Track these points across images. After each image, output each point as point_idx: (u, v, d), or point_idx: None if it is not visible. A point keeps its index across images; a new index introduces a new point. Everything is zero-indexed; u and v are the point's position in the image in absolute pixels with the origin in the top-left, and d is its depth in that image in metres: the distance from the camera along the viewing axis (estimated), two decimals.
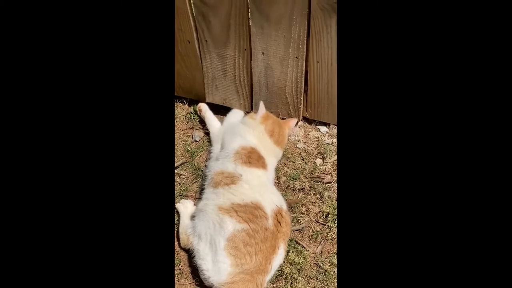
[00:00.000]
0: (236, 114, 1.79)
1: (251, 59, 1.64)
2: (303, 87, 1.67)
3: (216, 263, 1.32)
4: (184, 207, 1.55)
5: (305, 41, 1.52)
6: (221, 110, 1.83)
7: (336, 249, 1.49)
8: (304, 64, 1.59)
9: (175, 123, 1.83)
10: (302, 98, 1.71)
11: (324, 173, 1.67)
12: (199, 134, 1.81)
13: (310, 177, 1.67)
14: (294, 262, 1.46)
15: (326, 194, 1.60)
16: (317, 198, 1.61)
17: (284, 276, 1.44)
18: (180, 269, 1.48)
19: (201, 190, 1.59)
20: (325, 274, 1.45)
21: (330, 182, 1.64)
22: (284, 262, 1.44)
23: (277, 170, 1.68)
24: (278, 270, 1.43)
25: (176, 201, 1.60)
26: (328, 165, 1.69)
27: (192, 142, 1.80)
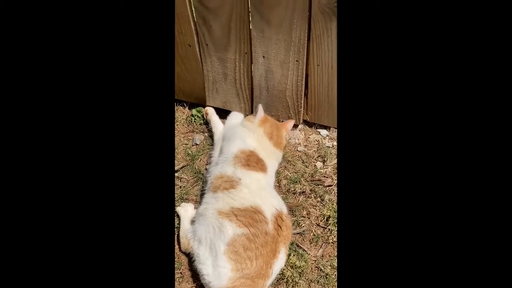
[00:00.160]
0: (235, 117, 1.79)
1: (251, 63, 1.65)
2: (303, 90, 1.67)
3: (216, 267, 1.32)
4: (185, 210, 1.55)
5: (306, 44, 1.52)
6: (221, 113, 1.83)
7: (337, 253, 1.49)
8: (305, 67, 1.59)
9: (176, 127, 1.83)
10: (302, 101, 1.71)
11: (324, 176, 1.68)
12: (199, 137, 1.81)
13: (311, 180, 1.67)
14: (295, 265, 1.46)
15: (326, 197, 1.61)
16: (317, 201, 1.61)
17: (285, 280, 1.44)
18: (181, 273, 1.48)
19: (202, 194, 1.59)
20: (326, 278, 1.45)
21: (331, 185, 1.64)
22: (285, 265, 1.44)
23: (278, 173, 1.68)
24: (279, 274, 1.43)
25: (176, 204, 1.60)
26: (329, 168, 1.69)
27: (192, 145, 1.80)
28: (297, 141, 1.80)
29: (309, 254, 1.50)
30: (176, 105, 1.88)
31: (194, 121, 1.85)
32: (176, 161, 1.73)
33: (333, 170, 1.68)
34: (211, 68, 1.71)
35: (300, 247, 1.52)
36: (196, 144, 1.80)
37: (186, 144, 1.80)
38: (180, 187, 1.67)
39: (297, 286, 1.43)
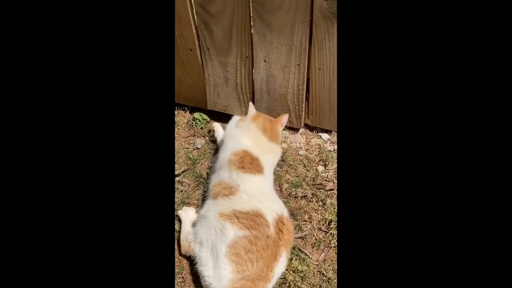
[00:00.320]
0: (235, 121, 1.79)
1: (253, 67, 1.65)
2: (304, 94, 1.67)
3: (217, 269, 1.32)
4: (186, 214, 1.55)
5: (307, 48, 1.52)
6: (222, 118, 1.83)
7: (337, 257, 1.49)
8: (306, 71, 1.59)
9: (177, 131, 1.83)
10: (303, 105, 1.71)
11: (326, 180, 1.67)
12: (200, 141, 1.81)
13: (312, 184, 1.67)
14: (297, 269, 1.45)
15: (328, 201, 1.60)
16: (319, 205, 1.61)
17: (287, 284, 1.44)
18: (182, 277, 1.47)
19: (203, 199, 1.59)
20: (328, 282, 1.44)
21: (333, 189, 1.64)
22: (287, 269, 1.44)
23: (279, 177, 1.68)
24: (281, 278, 1.43)
25: (178, 208, 1.59)
26: (330, 172, 1.69)
27: (194, 149, 1.79)
28: (298, 145, 1.80)
29: (311, 258, 1.50)
30: (177, 109, 1.88)
31: (195, 125, 1.85)
32: (177, 165, 1.73)
33: (335, 174, 1.68)
34: (212, 72, 1.71)
35: (302, 252, 1.52)
36: (198, 148, 1.79)
37: (187, 148, 1.80)
38: (182, 191, 1.67)
39: None
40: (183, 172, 1.72)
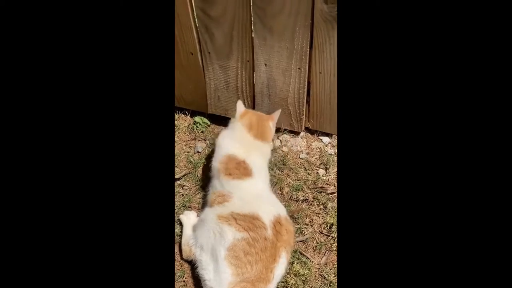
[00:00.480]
0: None
1: (253, 70, 1.65)
2: (305, 98, 1.68)
3: (217, 273, 1.32)
4: (187, 218, 1.55)
5: (308, 52, 1.52)
6: (223, 121, 1.83)
7: (337, 260, 1.49)
8: (307, 75, 1.60)
9: (178, 135, 1.84)
10: (304, 109, 1.72)
11: (327, 183, 1.68)
12: (201, 145, 1.81)
13: (313, 188, 1.67)
14: (299, 273, 1.45)
15: (329, 204, 1.60)
16: (320, 208, 1.61)
17: None
18: (184, 281, 1.47)
19: (203, 203, 1.59)
20: (330, 285, 1.44)
21: (334, 193, 1.64)
22: (288, 273, 1.44)
23: (280, 180, 1.68)
24: (283, 281, 1.43)
25: (179, 212, 1.59)
26: (331, 176, 1.69)
27: (194, 153, 1.80)
28: (299, 148, 1.80)
29: (312, 262, 1.50)
30: (178, 113, 1.88)
31: (196, 129, 1.85)
32: (178, 169, 1.73)
33: (336, 178, 1.68)
34: (213, 76, 1.72)
35: (304, 255, 1.52)
36: (198, 152, 1.79)
37: (188, 152, 1.80)
38: (183, 194, 1.67)
39: None
40: (184, 175, 1.72)
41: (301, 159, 1.77)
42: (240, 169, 1.47)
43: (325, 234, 1.56)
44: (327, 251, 1.53)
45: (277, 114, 1.62)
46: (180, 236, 1.53)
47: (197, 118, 1.86)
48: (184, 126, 1.86)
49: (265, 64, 1.61)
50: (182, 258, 1.50)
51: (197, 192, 1.68)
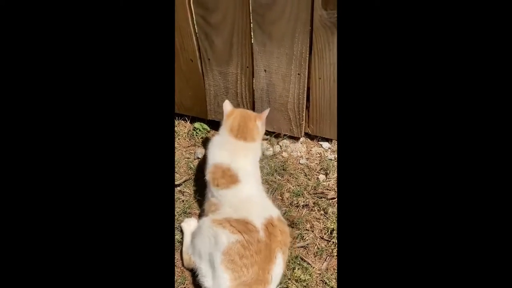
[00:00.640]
0: None
1: (253, 76, 1.66)
2: (305, 104, 1.68)
3: (215, 279, 1.32)
4: (188, 225, 1.55)
5: (307, 58, 1.53)
6: None
7: (337, 266, 1.49)
8: (306, 80, 1.60)
9: (178, 141, 1.84)
10: (304, 114, 1.72)
11: (327, 189, 1.68)
12: (201, 151, 1.81)
13: (314, 193, 1.67)
14: (300, 279, 1.45)
15: (330, 210, 1.60)
16: (321, 214, 1.61)
17: None
18: (185, 287, 1.47)
19: (200, 213, 1.60)
20: None
21: (334, 198, 1.64)
22: (290, 279, 1.44)
23: (280, 186, 1.68)
24: (284, 287, 1.43)
25: (180, 218, 1.59)
26: (332, 181, 1.69)
27: (194, 159, 1.80)
28: (299, 154, 1.80)
29: (313, 267, 1.50)
30: (178, 119, 1.88)
31: (196, 135, 1.85)
32: (178, 175, 1.73)
33: (336, 183, 1.68)
34: (213, 82, 1.72)
35: (305, 261, 1.51)
36: (198, 158, 1.79)
37: (188, 158, 1.80)
38: (183, 201, 1.67)
39: None
40: (184, 182, 1.72)
41: (301, 164, 1.77)
42: (226, 178, 1.47)
43: (326, 240, 1.56)
44: (328, 257, 1.52)
45: (265, 113, 1.59)
46: (181, 243, 1.53)
47: (197, 124, 1.87)
48: (184, 132, 1.86)
49: (265, 70, 1.61)
50: (183, 266, 1.49)
51: (197, 198, 1.68)
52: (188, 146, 1.84)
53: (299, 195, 1.66)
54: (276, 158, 1.79)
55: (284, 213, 1.60)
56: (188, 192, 1.70)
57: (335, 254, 1.52)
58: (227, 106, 1.60)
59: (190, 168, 1.76)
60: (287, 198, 1.66)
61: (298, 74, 1.58)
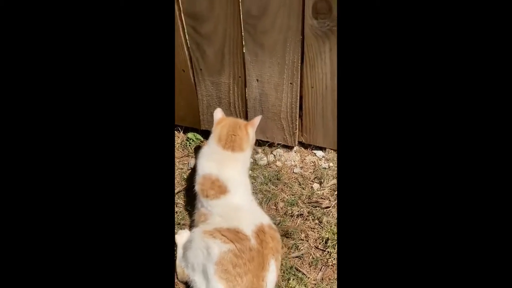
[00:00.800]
0: None
1: (245, 86, 1.65)
2: (298, 112, 1.68)
3: None
4: (181, 237, 1.53)
5: (299, 67, 1.53)
6: None
7: (337, 276, 1.48)
8: (299, 89, 1.60)
9: None
10: (297, 123, 1.71)
11: (322, 198, 1.67)
12: (195, 162, 1.80)
13: (308, 202, 1.66)
14: None
15: (325, 219, 1.59)
16: (315, 223, 1.60)
17: None
18: None
19: (191, 224, 1.59)
20: None
21: (329, 207, 1.63)
22: None
23: (275, 196, 1.67)
24: None
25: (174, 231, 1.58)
26: (326, 190, 1.69)
27: (188, 169, 1.79)
28: (293, 163, 1.79)
29: (308, 277, 1.49)
30: None
31: (189, 145, 1.84)
32: None
33: (330, 192, 1.68)
34: (205, 92, 1.71)
35: (300, 271, 1.50)
36: (192, 169, 1.78)
37: (182, 169, 1.79)
38: (177, 212, 1.66)
39: None
40: (177, 193, 1.71)
41: (295, 173, 1.76)
42: (215, 188, 1.46)
43: (320, 249, 1.55)
44: (323, 267, 1.51)
45: (257, 119, 1.58)
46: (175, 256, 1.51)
47: (190, 135, 1.86)
48: (177, 143, 1.86)
49: (257, 80, 1.61)
50: (177, 279, 1.48)
51: (188, 209, 1.66)
52: (182, 157, 1.83)
53: (293, 205, 1.65)
54: (270, 167, 1.78)
55: (279, 223, 1.59)
56: (181, 204, 1.69)
57: (330, 263, 1.51)
58: (217, 113, 1.59)
59: (184, 179, 1.75)
60: (282, 208, 1.65)
61: (291, 83, 1.58)
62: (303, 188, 1.70)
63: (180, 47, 1.58)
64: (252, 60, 1.55)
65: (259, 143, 1.82)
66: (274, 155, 1.82)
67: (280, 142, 1.80)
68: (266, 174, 1.74)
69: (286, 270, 1.49)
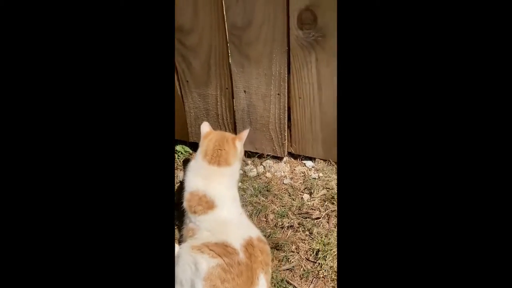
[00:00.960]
0: None
1: (233, 98, 1.64)
2: (286, 123, 1.67)
3: None
4: None
5: (286, 78, 1.52)
6: None
7: (327, 287, 1.46)
8: (287, 100, 1.59)
9: None
10: (286, 134, 1.70)
11: (312, 208, 1.65)
12: (183, 174, 1.78)
13: (299, 214, 1.64)
14: None
15: (315, 230, 1.58)
16: (306, 235, 1.59)
17: None
18: None
19: (180, 239, 1.57)
20: None
21: (319, 218, 1.62)
22: None
23: (265, 207, 1.66)
24: None
25: None
26: (316, 200, 1.67)
27: (177, 183, 1.77)
28: (283, 173, 1.78)
29: None
30: None
31: (178, 158, 1.83)
32: None
33: (320, 202, 1.66)
34: (193, 104, 1.70)
35: (291, 284, 1.48)
36: (181, 182, 1.77)
37: None
38: None
39: None
40: None
41: (285, 184, 1.75)
42: (203, 204, 1.45)
43: (311, 261, 1.53)
44: (314, 279, 1.49)
45: (245, 133, 1.55)
46: None
47: (178, 147, 1.84)
48: None
49: (244, 91, 1.60)
50: None
51: (176, 224, 1.64)
52: None
53: (283, 216, 1.63)
54: (260, 179, 1.76)
55: (269, 236, 1.57)
56: None
57: (321, 275, 1.49)
58: (204, 127, 1.57)
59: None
60: (272, 220, 1.64)
61: (278, 94, 1.57)
62: (293, 199, 1.69)
63: None
64: (239, 72, 1.54)
65: (248, 154, 1.81)
66: (264, 166, 1.80)
67: (269, 153, 1.79)
68: (256, 186, 1.72)
69: (277, 283, 1.47)
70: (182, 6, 1.43)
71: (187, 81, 1.62)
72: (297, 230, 1.60)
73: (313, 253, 1.54)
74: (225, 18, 1.41)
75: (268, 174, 1.78)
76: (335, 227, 1.59)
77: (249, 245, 1.36)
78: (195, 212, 1.45)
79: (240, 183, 1.69)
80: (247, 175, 1.77)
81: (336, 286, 1.44)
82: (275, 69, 1.50)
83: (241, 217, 1.50)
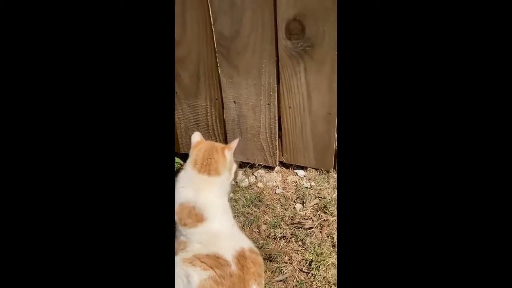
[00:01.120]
0: None
1: (223, 108, 1.64)
2: (277, 133, 1.66)
3: None
4: None
5: (276, 88, 1.52)
6: None
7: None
8: (277, 110, 1.59)
9: None
10: (277, 144, 1.70)
11: (304, 218, 1.64)
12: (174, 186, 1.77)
13: (291, 224, 1.63)
14: None
15: (308, 240, 1.57)
16: (299, 245, 1.57)
17: None
18: None
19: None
20: None
21: (311, 228, 1.61)
22: None
23: (257, 218, 1.64)
24: None
25: None
26: (308, 210, 1.66)
27: None
28: (274, 183, 1.77)
29: None
30: None
31: None
32: None
33: (313, 212, 1.65)
34: (183, 116, 1.69)
35: None
36: None
37: None
38: None
39: None
40: None
41: (277, 194, 1.73)
42: (192, 217, 1.42)
43: (305, 272, 1.52)
44: None
45: (234, 142, 1.53)
46: None
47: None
48: None
49: (234, 102, 1.59)
50: None
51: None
52: None
53: (276, 227, 1.62)
54: (252, 189, 1.75)
55: (262, 247, 1.56)
56: None
57: (315, 286, 1.48)
58: (195, 137, 1.55)
59: None
60: (264, 231, 1.62)
61: (268, 104, 1.57)
62: (285, 209, 1.68)
63: None
64: (228, 82, 1.54)
65: (240, 164, 1.80)
66: (256, 176, 1.79)
67: (261, 163, 1.78)
68: (248, 196, 1.71)
69: (264, 285, 1.45)
70: None
71: (176, 92, 1.61)
72: (289, 241, 1.59)
73: (306, 263, 1.53)
74: (213, 29, 1.41)
75: (260, 184, 1.77)
76: (328, 236, 1.58)
77: (241, 257, 1.34)
78: (185, 225, 1.43)
79: (232, 194, 1.68)
80: (238, 186, 1.76)
81: None
82: (264, 79, 1.50)
83: (233, 228, 1.48)
